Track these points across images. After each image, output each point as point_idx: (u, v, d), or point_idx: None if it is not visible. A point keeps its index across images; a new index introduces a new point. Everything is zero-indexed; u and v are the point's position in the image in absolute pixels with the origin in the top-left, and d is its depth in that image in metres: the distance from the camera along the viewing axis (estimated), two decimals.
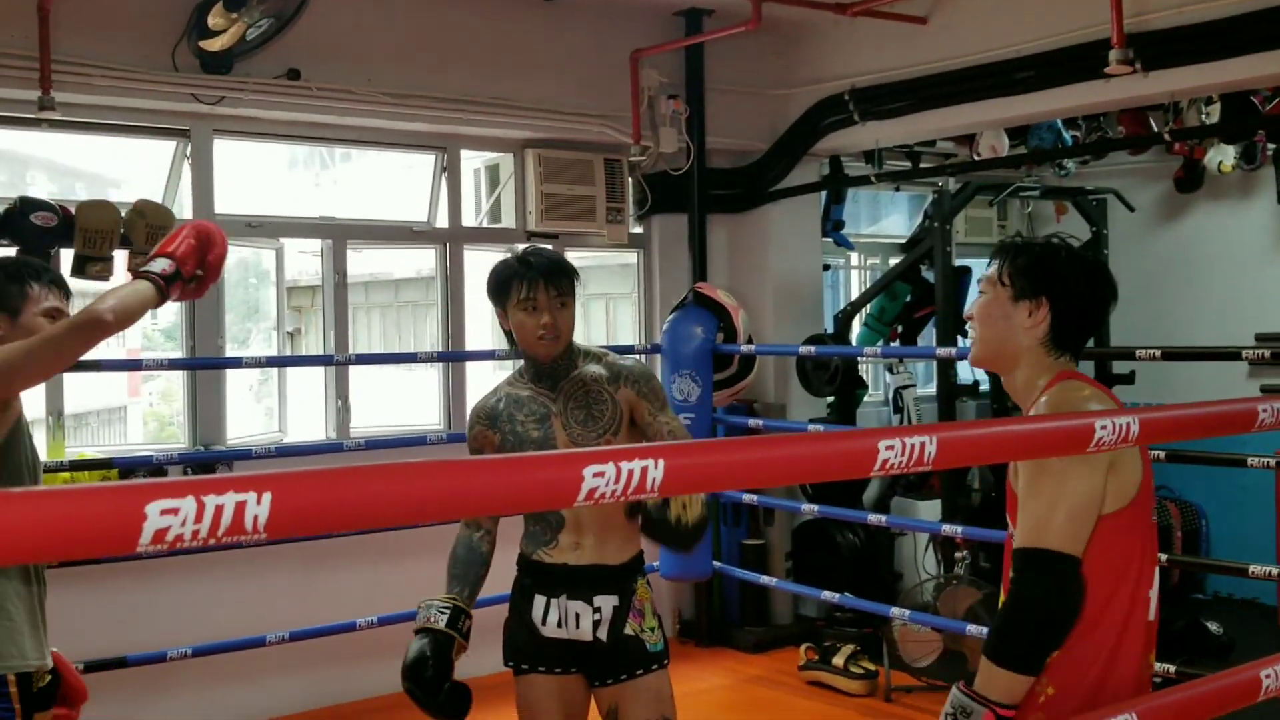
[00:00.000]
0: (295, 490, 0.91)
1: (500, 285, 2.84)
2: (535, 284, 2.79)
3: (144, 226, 4.66)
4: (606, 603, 2.83)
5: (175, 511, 0.86)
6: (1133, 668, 1.96)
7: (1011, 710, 1.92)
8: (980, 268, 8.36)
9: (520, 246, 3.01)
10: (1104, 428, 1.46)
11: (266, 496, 0.90)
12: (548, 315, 2.79)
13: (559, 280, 2.82)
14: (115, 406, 9.50)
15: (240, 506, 0.89)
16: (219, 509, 0.88)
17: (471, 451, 2.93)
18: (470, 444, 2.95)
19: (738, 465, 1.20)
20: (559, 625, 2.83)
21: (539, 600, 2.86)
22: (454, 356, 5.74)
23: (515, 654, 2.90)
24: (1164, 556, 4.57)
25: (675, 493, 1.15)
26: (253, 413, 6.14)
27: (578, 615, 2.82)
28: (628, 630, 2.85)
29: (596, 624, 2.82)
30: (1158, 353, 4.33)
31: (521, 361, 2.97)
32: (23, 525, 0.83)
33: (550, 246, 2.98)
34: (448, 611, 2.77)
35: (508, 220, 6.01)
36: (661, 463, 1.13)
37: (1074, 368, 2.11)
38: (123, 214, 4.67)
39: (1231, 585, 6.91)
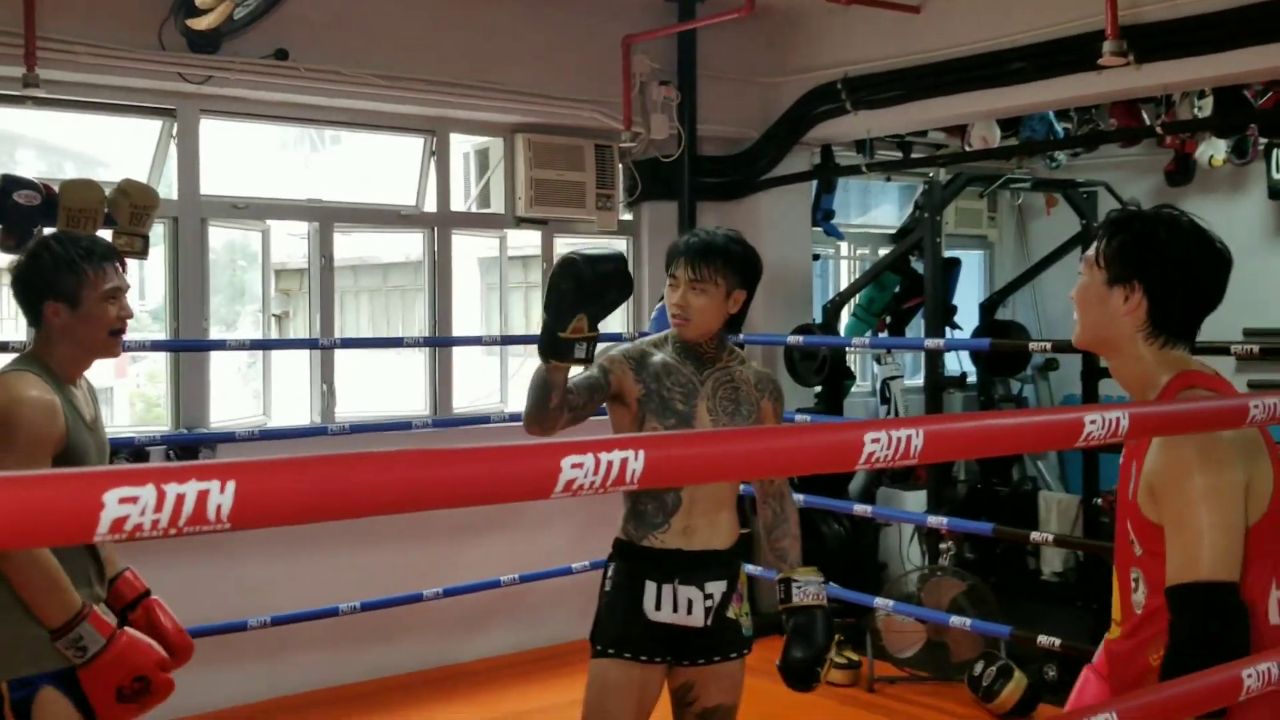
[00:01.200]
0: (260, 479, 0.89)
1: (667, 255, 2.90)
2: (678, 261, 2.83)
3: (128, 206, 4.61)
4: (717, 589, 2.83)
5: (134, 500, 0.83)
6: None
7: None
8: (970, 259, 8.35)
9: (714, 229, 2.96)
10: (1093, 422, 1.44)
11: (230, 485, 0.87)
12: (680, 294, 2.82)
13: (700, 264, 2.80)
14: (102, 388, 9.43)
15: (203, 496, 0.86)
16: (180, 498, 0.85)
17: (600, 368, 2.80)
18: (606, 370, 2.82)
19: (721, 457, 1.17)
20: (673, 610, 2.80)
21: (650, 587, 2.82)
22: (441, 342, 5.71)
23: (611, 640, 2.85)
24: None
25: (654, 485, 1.12)
26: (241, 395, 6.10)
27: (690, 601, 2.80)
28: (729, 614, 2.86)
29: (708, 610, 2.82)
30: None
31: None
32: None
33: (719, 229, 2.94)
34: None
35: (497, 205, 5.97)
36: (641, 454, 1.10)
37: (1189, 361, 1.95)
38: (107, 193, 4.62)
39: None
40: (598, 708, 2.85)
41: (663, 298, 5.94)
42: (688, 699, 2.90)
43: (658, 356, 2.87)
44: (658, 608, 2.80)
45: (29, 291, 2.60)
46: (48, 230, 4.53)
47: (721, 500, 2.89)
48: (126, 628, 2.54)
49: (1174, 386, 1.90)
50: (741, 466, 1.20)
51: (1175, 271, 1.92)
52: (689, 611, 2.80)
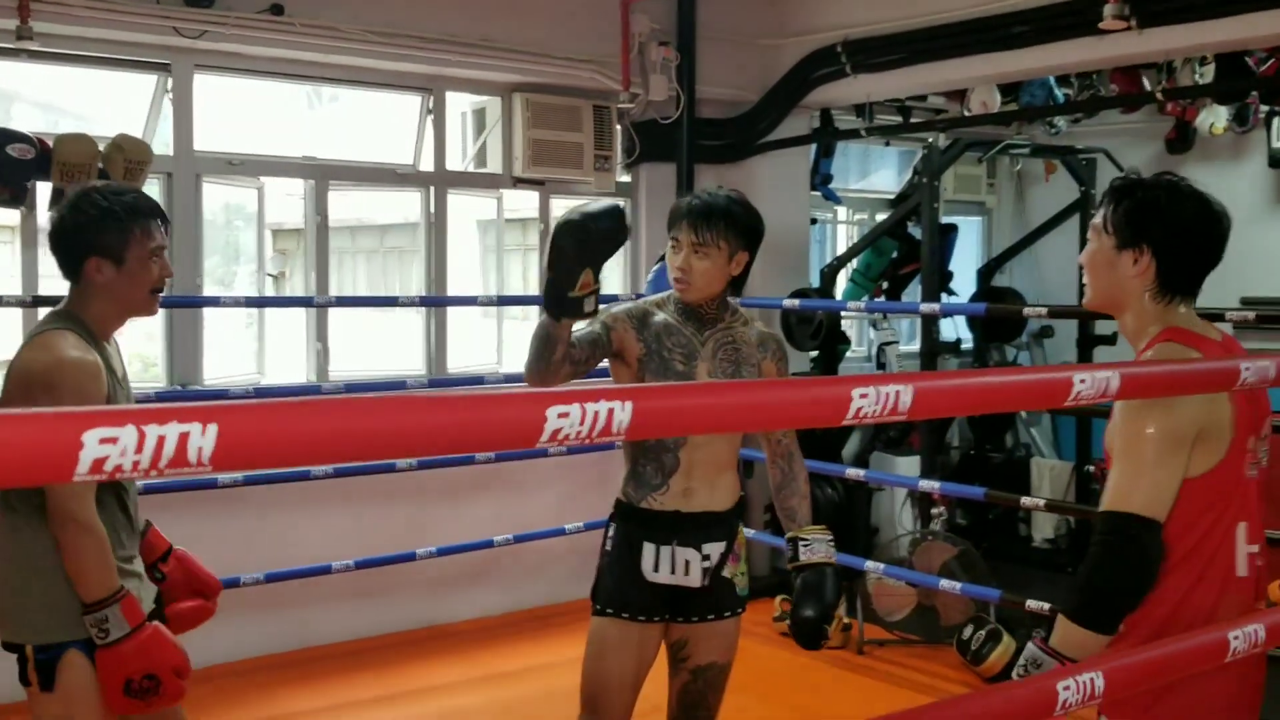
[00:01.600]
0: (242, 421, 0.88)
1: (669, 217, 2.89)
2: (680, 223, 2.82)
3: (122, 160, 4.59)
4: (715, 549, 2.86)
5: (114, 441, 0.83)
6: (1201, 618, 1.94)
7: (1070, 662, 1.91)
8: (967, 225, 8.33)
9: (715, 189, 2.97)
10: (1082, 381, 1.44)
11: (212, 428, 0.86)
12: (683, 257, 2.81)
13: (703, 227, 2.79)
14: None
15: (184, 437, 0.85)
16: (161, 439, 0.84)
17: (603, 325, 2.82)
18: (605, 320, 2.84)
19: (709, 409, 1.17)
20: (671, 572, 2.84)
21: (648, 548, 2.85)
22: (437, 301, 5.69)
23: (610, 599, 2.89)
24: None
25: (641, 436, 1.12)
26: (237, 354, 6.08)
27: (688, 562, 2.83)
28: (725, 573, 2.89)
29: (705, 571, 2.85)
30: None
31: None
32: None
33: (721, 190, 2.94)
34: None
35: (494, 165, 5.94)
36: (629, 405, 1.10)
37: (1184, 316, 2.09)
38: (101, 148, 4.60)
39: None
40: (597, 665, 2.88)
41: (661, 257, 5.94)
42: (681, 655, 2.93)
43: (659, 317, 2.88)
44: (655, 569, 2.83)
45: (71, 246, 2.51)
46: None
47: (721, 463, 2.90)
48: (158, 623, 2.48)
49: (1157, 339, 2.04)
50: (729, 419, 1.19)
51: (1180, 233, 2.05)
52: (686, 572, 2.83)
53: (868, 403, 1.25)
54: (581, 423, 1.07)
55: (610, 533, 2.95)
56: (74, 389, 2.37)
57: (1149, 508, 1.92)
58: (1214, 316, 4.54)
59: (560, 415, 1.05)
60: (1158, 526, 1.92)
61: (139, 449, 0.84)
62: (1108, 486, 1.98)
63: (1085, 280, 2.15)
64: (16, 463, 0.81)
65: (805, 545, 2.87)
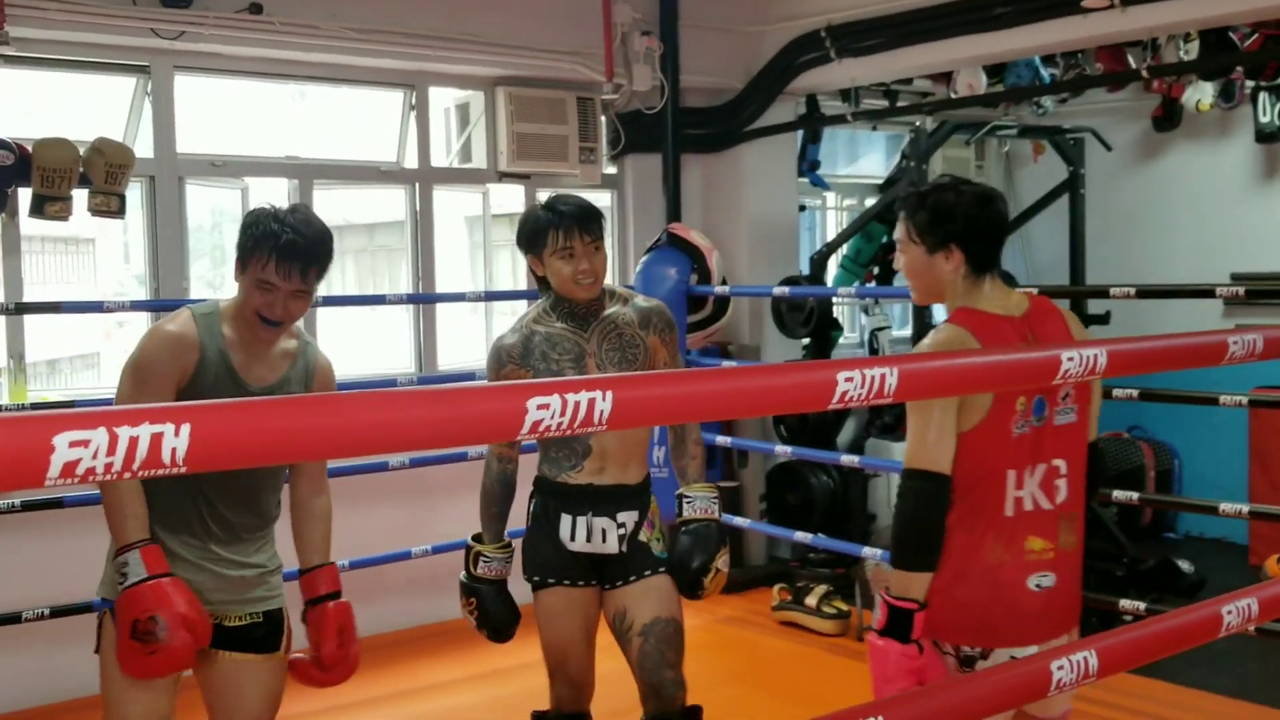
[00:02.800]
0: (215, 421, 0.87)
1: (534, 235, 3.00)
2: (570, 231, 2.95)
3: (103, 165, 4.57)
4: (629, 518, 3.07)
5: (85, 444, 0.82)
6: (978, 552, 2.28)
7: (914, 603, 2.26)
8: None
9: (547, 195, 3.19)
10: (1070, 359, 1.43)
11: (185, 428, 0.85)
12: (585, 261, 2.96)
13: (591, 226, 2.98)
14: (89, 352, 9.39)
15: (156, 438, 0.84)
16: (133, 440, 0.83)
17: None
18: (499, 380, 3.06)
19: (690, 398, 1.16)
20: (587, 540, 3.05)
21: (565, 519, 3.06)
22: (424, 299, 5.67)
23: (540, 569, 3.10)
24: (1134, 495, 4.59)
25: (623, 426, 1.11)
26: None
27: (604, 530, 3.04)
28: (640, 537, 3.09)
29: (621, 538, 3.06)
30: (1132, 290, 4.31)
31: (538, 301, 3.15)
32: None
33: (568, 197, 3.11)
34: (508, 560, 3.15)
35: (478, 160, 5.92)
36: (610, 394, 1.09)
37: (986, 293, 2.38)
38: (81, 152, 4.57)
39: (1203, 525, 6.96)
40: (550, 633, 3.11)
41: (650, 248, 5.93)
42: (625, 624, 3.07)
43: (540, 333, 3.04)
44: (572, 538, 3.06)
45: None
46: (23, 190, 4.49)
47: (630, 453, 3.09)
48: (178, 578, 2.48)
49: (948, 320, 2.38)
50: (712, 406, 1.18)
51: (974, 222, 2.36)
52: (603, 540, 3.05)
53: (853, 386, 1.24)
54: (562, 413, 1.06)
55: (531, 507, 3.15)
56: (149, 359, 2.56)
57: (933, 462, 2.24)
58: (1205, 292, 4.55)
59: (540, 406, 1.04)
60: (942, 478, 2.24)
61: (111, 451, 0.83)
62: (906, 447, 2.33)
63: (910, 285, 2.46)
64: None
65: (688, 502, 3.08)
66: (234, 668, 2.67)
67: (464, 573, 3.19)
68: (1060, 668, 1.45)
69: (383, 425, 0.95)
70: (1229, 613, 1.58)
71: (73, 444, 0.82)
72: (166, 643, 2.38)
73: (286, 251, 2.53)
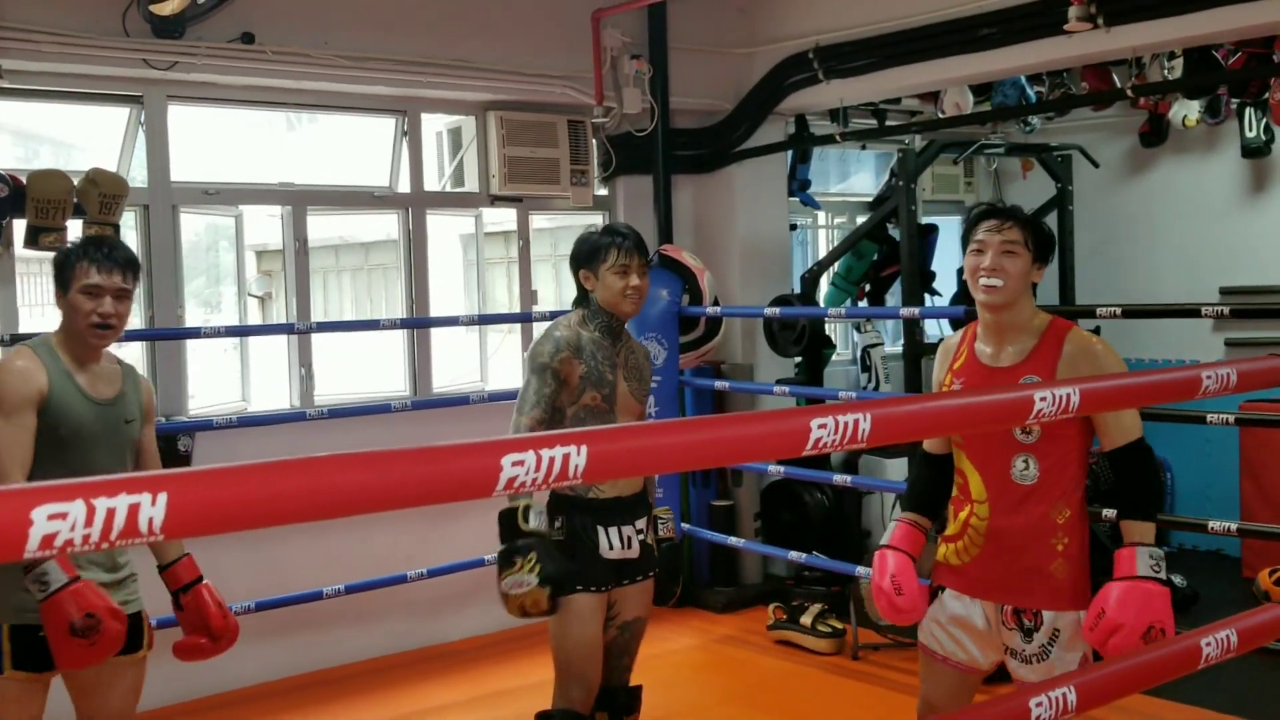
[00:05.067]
0: (192, 489, 0.89)
1: (594, 250, 3.42)
2: (630, 252, 3.39)
3: (97, 195, 4.59)
4: (643, 522, 3.46)
5: (63, 516, 0.84)
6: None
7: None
8: (948, 225, 8.31)
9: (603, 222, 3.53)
10: (1043, 399, 1.45)
11: (162, 497, 0.87)
12: (637, 279, 3.39)
13: (644, 252, 3.46)
14: None
15: (133, 509, 0.86)
16: (110, 512, 0.85)
17: (549, 370, 3.33)
18: (552, 364, 3.33)
19: (664, 449, 1.18)
20: (623, 548, 3.38)
21: (601, 531, 3.36)
22: (418, 323, 5.69)
23: (570, 577, 3.26)
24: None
25: (598, 479, 1.13)
26: (223, 377, 6.07)
27: (629, 538, 3.40)
28: (648, 540, 3.49)
29: (640, 542, 3.43)
30: (1118, 310, 4.33)
31: (569, 313, 3.50)
32: None
33: (625, 226, 3.61)
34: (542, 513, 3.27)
35: (471, 184, 5.95)
36: (584, 449, 1.11)
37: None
38: (75, 182, 4.59)
39: (1195, 537, 6.98)
40: (573, 635, 3.32)
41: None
42: (612, 614, 3.44)
43: (586, 336, 3.41)
44: (610, 547, 3.37)
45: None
46: (18, 221, 4.52)
47: None
48: (84, 579, 2.74)
49: (1062, 325, 2.76)
50: (686, 457, 1.20)
51: (1051, 254, 2.86)
52: (628, 546, 3.40)
53: (826, 433, 1.26)
54: (537, 469, 1.08)
55: (559, 523, 3.38)
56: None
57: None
58: (1190, 312, 4.57)
59: (515, 463, 1.06)
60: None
61: (89, 522, 0.85)
62: (1120, 430, 2.71)
63: (1005, 286, 2.72)
64: None
65: (663, 523, 3.60)
66: (102, 667, 2.87)
67: (506, 543, 3.12)
68: (1039, 704, 1.47)
69: (362, 487, 0.97)
70: (1208, 644, 1.60)
71: (51, 516, 0.84)
72: (103, 634, 2.66)
73: (103, 255, 2.91)
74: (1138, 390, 1.62)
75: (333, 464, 0.96)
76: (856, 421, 1.28)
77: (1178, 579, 5.81)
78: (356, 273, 14.62)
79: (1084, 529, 2.74)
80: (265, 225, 6.36)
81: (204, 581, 3.15)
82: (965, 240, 2.83)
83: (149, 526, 0.87)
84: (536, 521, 3.09)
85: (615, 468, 1.14)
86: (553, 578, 3.03)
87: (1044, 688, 1.48)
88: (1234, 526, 4.16)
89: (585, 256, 3.44)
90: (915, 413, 1.35)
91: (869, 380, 7.14)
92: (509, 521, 3.09)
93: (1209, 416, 4.15)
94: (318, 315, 5.51)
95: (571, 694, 3.37)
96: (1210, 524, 4.08)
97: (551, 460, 1.08)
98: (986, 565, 2.76)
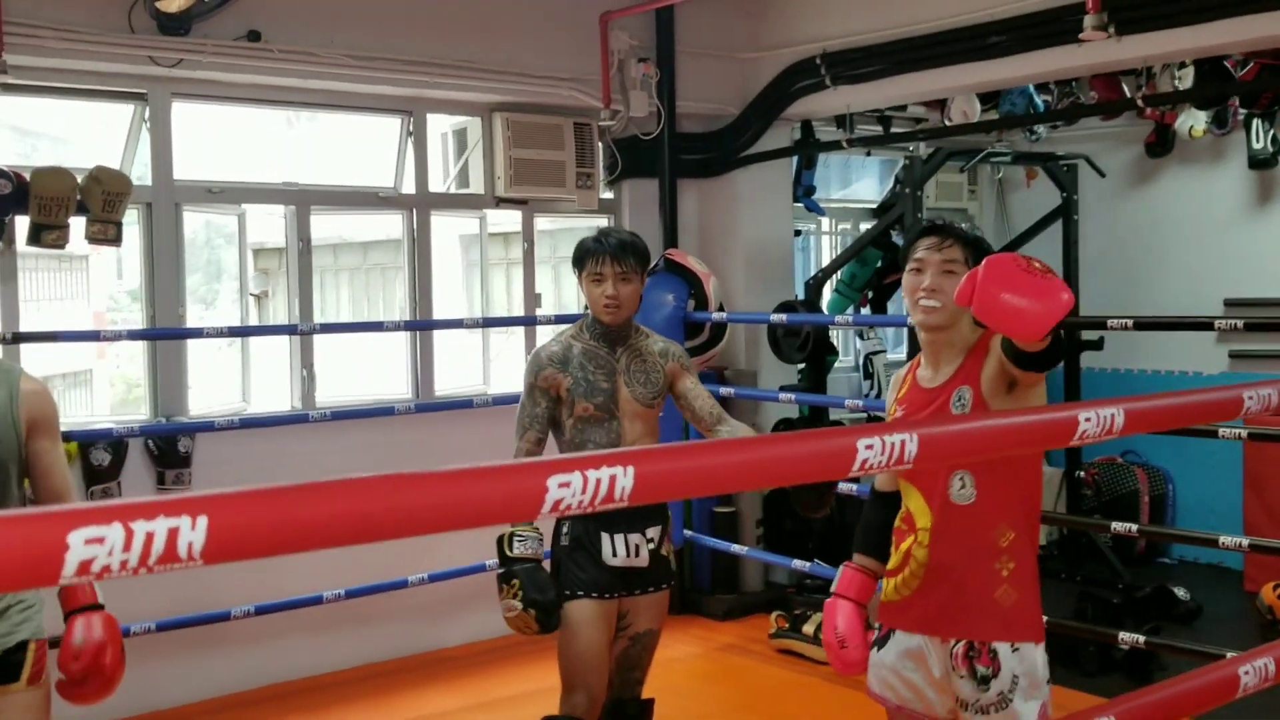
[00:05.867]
0: (233, 512, 0.85)
1: (579, 257, 3.37)
2: (603, 259, 3.31)
3: (100, 193, 4.55)
4: (655, 532, 3.35)
5: (101, 540, 0.79)
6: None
7: None
8: None
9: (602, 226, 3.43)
10: (1088, 420, 1.41)
11: (202, 521, 0.83)
12: (612, 288, 3.30)
13: (625, 258, 3.32)
14: (81, 370, 9.35)
15: (173, 533, 0.82)
16: (149, 536, 0.81)
17: (535, 389, 3.33)
18: (537, 383, 3.33)
19: (711, 470, 1.14)
20: (628, 555, 3.30)
21: (605, 537, 3.29)
22: (421, 325, 5.65)
23: (573, 584, 3.28)
24: (1133, 527, 4.57)
25: (645, 500, 1.09)
26: (229, 376, 6.03)
27: (637, 546, 3.31)
28: (663, 551, 3.39)
29: (652, 551, 3.34)
30: (1129, 323, 4.30)
31: (578, 320, 3.47)
32: None
33: (618, 230, 3.57)
34: (541, 540, 3.19)
35: (476, 185, 5.91)
36: (631, 470, 1.07)
37: None
38: (79, 180, 4.55)
39: (1198, 550, 6.95)
40: (579, 644, 3.26)
41: (653, 269, 5.91)
42: (623, 624, 3.37)
43: (577, 348, 3.35)
44: (614, 554, 3.29)
45: None
46: (20, 218, 4.47)
47: None
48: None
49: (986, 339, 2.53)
50: (733, 478, 1.16)
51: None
52: (636, 554, 3.31)
53: (873, 454, 1.22)
54: (584, 491, 1.04)
55: (565, 529, 3.35)
56: None
57: None
58: (1203, 325, 4.55)
59: (561, 485, 1.03)
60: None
61: (127, 547, 0.81)
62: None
63: (943, 304, 2.52)
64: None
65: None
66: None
67: (501, 567, 3.18)
68: None
69: (405, 509, 0.93)
70: (1246, 673, 1.57)
71: (88, 541, 0.80)
72: (97, 672, 2.45)
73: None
74: (1181, 410, 1.59)
75: (378, 485, 0.92)
76: (903, 442, 1.24)
77: (1181, 592, 5.79)
78: (355, 272, 14.55)
79: (1032, 553, 2.57)
80: (263, 223, 6.32)
81: (91, 611, 2.50)
82: (904, 258, 2.63)
83: (189, 551, 0.83)
84: (522, 548, 3.13)
85: (663, 489, 1.10)
86: (536, 602, 3.08)
87: (1086, 716, 1.45)
88: (1245, 542, 4.13)
89: (575, 262, 3.40)
90: (962, 433, 1.31)
91: (871, 387, 7.11)
92: (500, 548, 3.15)
93: (1220, 431, 4.11)
94: (316, 315, 5.46)
95: (575, 700, 3.32)
96: (1221, 539, 4.05)
97: (599, 482, 1.05)
98: (928, 595, 2.57)
